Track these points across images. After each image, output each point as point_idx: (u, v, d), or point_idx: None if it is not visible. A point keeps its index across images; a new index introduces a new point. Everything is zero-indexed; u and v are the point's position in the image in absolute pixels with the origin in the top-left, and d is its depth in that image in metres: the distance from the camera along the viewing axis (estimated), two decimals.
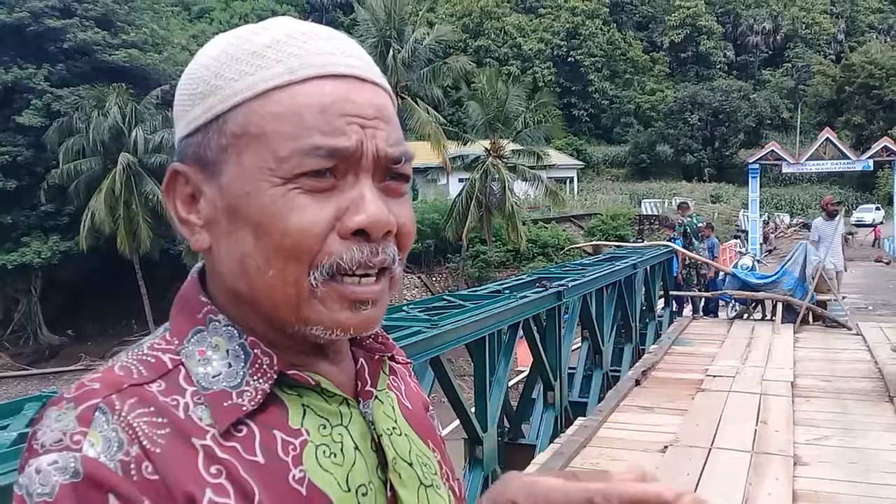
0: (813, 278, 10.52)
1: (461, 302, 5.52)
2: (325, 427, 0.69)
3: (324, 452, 0.67)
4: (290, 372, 0.68)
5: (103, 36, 31.24)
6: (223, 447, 0.63)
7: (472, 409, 5.04)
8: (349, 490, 0.67)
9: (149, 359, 0.67)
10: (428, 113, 27.10)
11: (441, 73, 28.74)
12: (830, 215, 11.32)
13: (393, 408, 0.78)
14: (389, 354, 0.79)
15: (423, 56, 28.48)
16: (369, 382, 0.74)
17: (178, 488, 0.60)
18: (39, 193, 28.14)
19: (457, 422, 5.19)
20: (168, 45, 36.02)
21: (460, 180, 31.31)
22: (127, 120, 27.41)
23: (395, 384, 0.82)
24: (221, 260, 0.68)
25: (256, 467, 0.63)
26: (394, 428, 0.75)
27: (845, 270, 11.60)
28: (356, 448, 0.70)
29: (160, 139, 27.37)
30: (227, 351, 0.68)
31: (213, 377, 0.66)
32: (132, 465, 0.59)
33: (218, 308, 0.70)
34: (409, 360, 0.88)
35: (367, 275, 0.66)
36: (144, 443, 0.60)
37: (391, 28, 28.13)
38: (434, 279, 30.82)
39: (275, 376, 0.67)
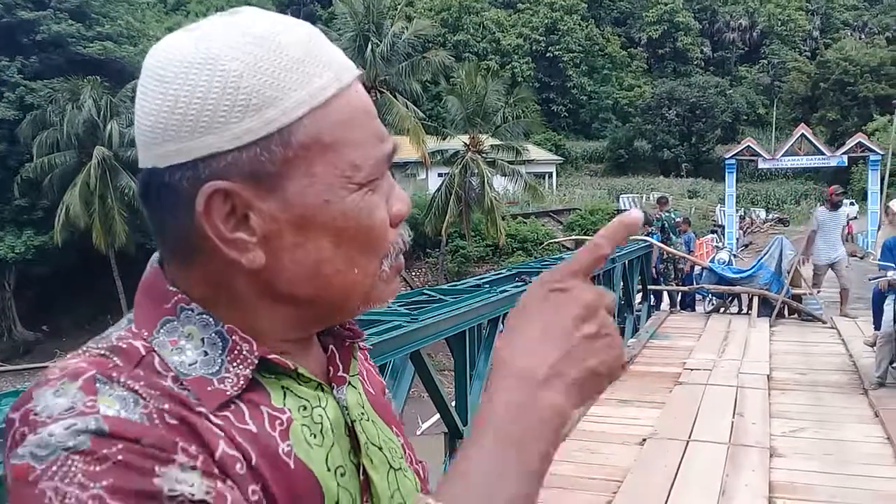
0: (788, 272, 10.63)
1: (441, 296, 5.52)
2: (305, 408, 0.69)
3: (308, 431, 0.68)
4: (270, 357, 0.67)
5: (77, 28, 30.89)
6: (217, 416, 0.63)
7: (453, 404, 5.04)
8: (329, 469, 0.68)
9: (121, 345, 0.64)
10: (407, 107, 27.07)
11: (420, 67, 28.71)
12: (834, 205, 10.74)
13: (360, 393, 0.78)
14: (359, 340, 0.79)
15: (402, 50, 28.42)
16: (341, 368, 0.75)
17: (197, 434, 0.60)
18: (13, 187, 27.77)
19: (437, 416, 5.20)
20: (143, 37, 35.63)
21: (439, 175, 31.34)
22: (102, 113, 27.13)
23: (359, 369, 0.82)
24: (282, 271, 0.66)
25: (250, 435, 0.63)
26: (362, 413, 0.76)
27: (848, 264, 10.95)
28: (332, 430, 0.71)
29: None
30: (203, 339, 0.66)
31: (190, 365, 0.64)
32: (154, 416, 0.59)
33: (188, 298, 0.68)
34: (367, 346, 0.90)
35: None
36: (151, 402, 0.59)
37: (370, 22, 28.04)
38: (413, 274, 30.81)
39: (255, 362, 0.66)
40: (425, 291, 6.05)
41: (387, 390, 0.89)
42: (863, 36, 62.54)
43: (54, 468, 0.55)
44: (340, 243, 0.66)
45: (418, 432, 12.26)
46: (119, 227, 26.47)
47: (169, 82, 0.64)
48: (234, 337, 0.67)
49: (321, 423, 0.70)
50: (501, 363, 0.63)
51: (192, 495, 0.57)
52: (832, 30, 66.38)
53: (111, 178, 26.73)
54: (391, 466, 0.76)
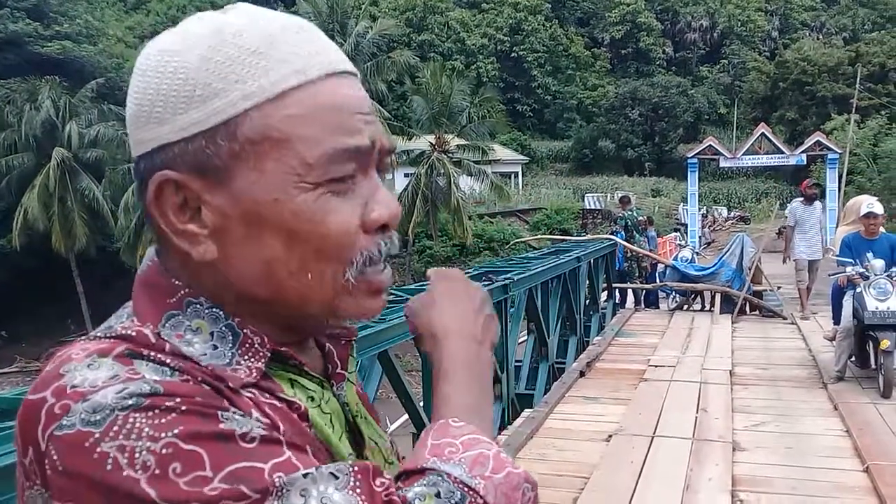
0: (750, 269, 10.80)
1: (408, 297, 5.48)
2: (313, 399, 0.70)
3: (321, 420, 0.69)
4: (282, 349, 0.68)
5: (35, 27, 30.34)
6: (243, 392, 0.63)
7: (421, 403, 5.04)
8: (345, 457, 0.69)
9: (130, 332, 0.64)
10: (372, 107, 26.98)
11: (385, 67, 28.65)
12: (809, 199, 10.34)
13: (354, 392, 0.80)
14: (354, 339, 0.80)
15: (367, 50, 28.35)
16: (339, 366, 0.76)
17: (236, 398, 0.61)
18: None
19: (405, 416, 5.20)
20: (103, 36, 35.13)
21: (406, 175, 31.28)
22: (60, 114, 26.65)
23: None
24: (233, 267, 0.66)
25: (274, 409, 0.64)
26: (358, 411, 0.77)
27: (823, 258, 10.28)
28: (339, 424, 0.72)
29: (96, 134, 26.66)
30: (213, 333, 0.66)
31: (200, 356, 0.64)
32: (195, 380, 0.60)
33: (196, 292, 0.68)
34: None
35: (385, 261, 0.69)
36: (184, 373, 0.60)
37: (334, 22, 27.93)
38: None
39: (268, 354, 0.67)
40: (392, 291, 6.03)
41: (361, 387, 0.90)
42: (820, 36, 63.70)
43: (116, 428, 0.54)
44: (292, 245, 0.64)
45: (387, 433, 12.23)
46: (79, 230, 26.01)
47: (140, 74, 0.66)
48: (245, 330, 0.67)
49: (330, 414, 0.71)
50: (449, 329, 0.81)
51: (262, 433, 0.58)
52: (791, 30, 67.52)
53: (70, 179, 26.26)
54: (386, 461, 0.78)
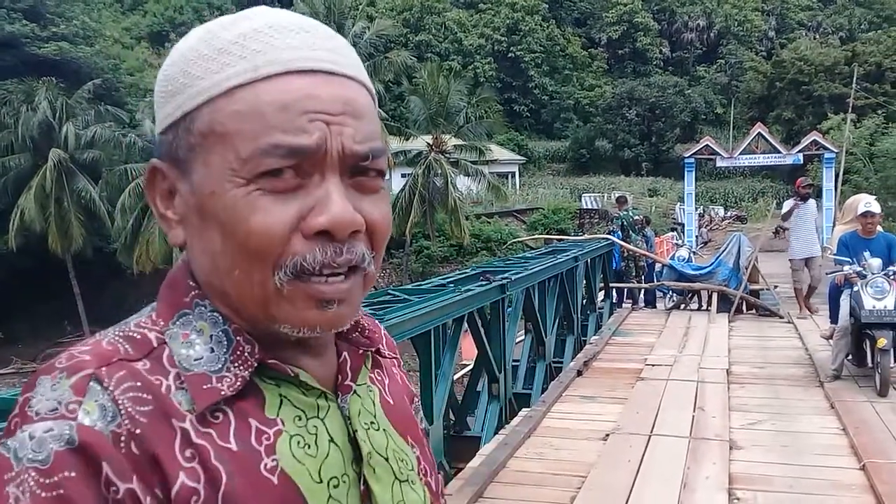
0: (746, 268, 10.82)
1: (406, 296, 5.52)
2: (300, 418, 0.69)
3: (298, 443, 0.67)
4: (269, 361, 0.68)
5: (32, 28, 30.30)
6: (199, 432, 0.64)
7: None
8: (321, 482, 0.68)
9: (135, 335, 0.67)
10: None
11: (382, 67, 28.64)
12: (803, 198, 10.11)
13: (373, 402, 0.78)
14: (374, 349, 0.79)
15: (364, 50, 28.33)
16: (350, 377, 0.74)
17: (156, 467, 0.61)
18: None
19: None
20: (100, 37, 35.09)
21: (403, 175, 31.27)
22: (57, 115, 26.61)
23: (379, 378, 0.81)
24: (195, 256, 0.69)
25: (229, 454, 0.64)
26: (372, 423, 0.75)
27: (822, 256, 9.99)
28: (331, 441, 0.70)
29: (92, 135, 26.63)
30: (211, 336, 0.68)
31: (196, 360, 0.67)
32: (122, 437, 0.61)
33: (204, 294, 0.70)
34: (396, 356, 0.88)
35: (334, 273, 0.65)
36: (134, 417, 0.62)
37: (331, 22, 27.87)
38: (378, 275, 30.69)
39: (255, 364, 0.67)
40: (390, 291, 6.05)
41: (416, 399, 0.89)
42: (817, 36, 63.78)
43: (21, 477, 0.58)
44: (225, 240, 0.64)
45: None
46: (76, 231, 25.97)
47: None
48: (238, 338, 0.68)
49: (315, 434, 0.69)
50: None
51: None
52: (787, 30, 67.60)
53: (67, 180, 26.22)
54: (397, 478, 0.75)
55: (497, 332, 6.51)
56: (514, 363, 7.31)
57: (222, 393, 0.65)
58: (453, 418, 6.40)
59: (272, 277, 0.64)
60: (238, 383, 0.66)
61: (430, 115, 28.82)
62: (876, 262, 6.57)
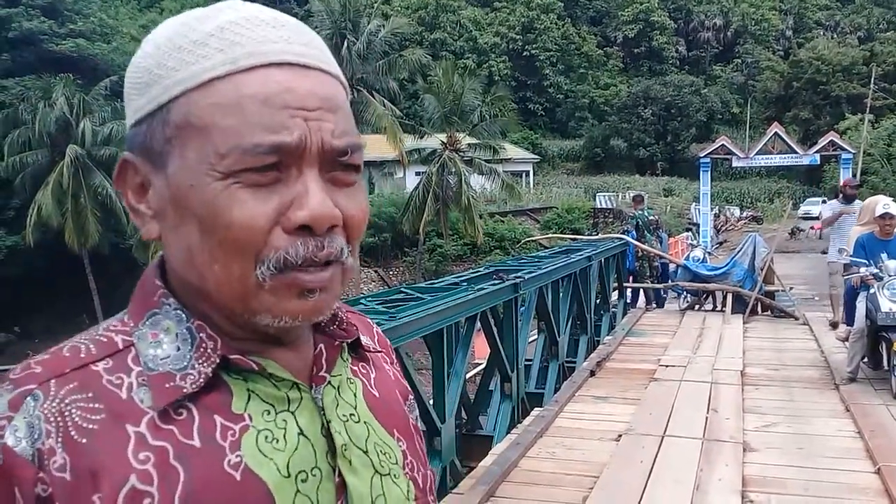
0: (762, 269, 10.75)
1: (419, 294, 5.53)
2: (269, 413, 0.69)
3: (265, 438, 0.67)
4: (232, 357, 0.68)
5: (50, 25, 30.52)
6: (158, 431, 0.64)
7: (431, 401, 5.05)
8: (288, 476, 0.67)
9: (101, 338, 0.68)
10: (384, 106, 27.01)
11: (397, 65, 28.66)
12: (848, 199, 9.42)
13: (355, 395, 0.77)
14: (349, 341, 0.78)
15: (379, 48, 28.36)
16: (324, 368, 0.74)
17: (100, 476, 0.61)
18: None
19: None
20: (117, 34, 35.25)
21: (417, 174, 31.27)
22: (74, 111, 26.77)
23: (364, 371, 0.81)
24: (170, 250, 0.69)
25: (191, 451, 0.64)
26: (351, 415, 0.75)
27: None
28: (301, 434, 0.69)
29: (109, 131, 26.79)
30: (177, 334, 0.68)
31: (162, 359, 0.67)
32: (45, 456, 0.61)
33: (172, 292, 0.70)
34: (379, 350, 0.87)
35: (314, 264, 0.66)
36: (71, 432, 0.62)
37: (346, 20, 27.96)
38: (391, 273, 30.77)
39: (217, 360, 0.67)
40: (403, 290, 6.06)
41: (410, 397, 0.88)
42: (835, 35, 63.34)
43: None
44: (203, 234, 0.64)
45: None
46: (92, 227, 26.12)
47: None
48: (201, 334, 0.68)
49: (284, 428, 0.69)
50: None
51: None
52: (805, 29, 67.17)
53: (84, 176, 26.38)
54: (377, 471, 0.74)
55: (510, 331, 6.50)
56: (526, 362, 7.30)
57: (184, 391, 0.65)
58: (465, 417, 6.40)
59: (254, 272, 0.64)
60: (201, 380, 0.66)
61: (445, 113, 28.80)
62: (893, 265, 6.51)
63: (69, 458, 0.61)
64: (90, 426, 0.62)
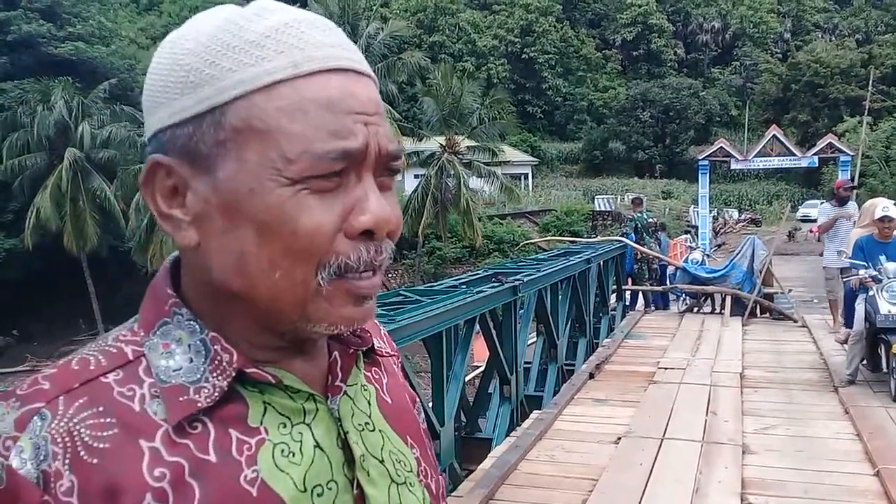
0: (760, 272, 10.76)
1: (418, 297, 5.53)
2: (284, 425, 0.67)
3: (282, 452, 0.66)
4: (249, 370, 0.66)
5: (48, 28, 30.49)
6: (174, 445, 0.63)
7: (430, 404, 5.05)
8: (304, 490, 0.66)
9: (111, 349, 0.66)
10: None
11: (395, 68, 28.66)
12: (841, 201, 9.22)
13: (369, 402, 0.76)
14: (365, 348, 0.77)
15: (378, 51, 28.37)
16: (340, 377, 0.73)
17: (116, 495, 0.60)
18: None
19: None
20: (116, 37, 35.29)
21: (416, 176, 31.28)
22: (73, 114, 26.77)
23: (377, 377, 0.80)
24: (212, 256, 0.65)
25: (207, 466, 0.63)
26: (367, 423, 0.74)
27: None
28: (317, 446, 0.68)
29: (108, 134, 26.77)
30: (189, 346, 0.67)
31: (174, 371, 0.65)
32: (52, 479, 0.59)
33: (185, 301, 0.69)
34: (394, 353, 0.86)
35: (370, 269, 0.66)
36: (81, 453, 0.60)
37: (345, 23, 27.93)
38: (390, 276, 30.75)
39: (233, 374, 0.66)
40: (402, 293, 6.05)
41: (417, 401, 0.88)
42: (833, 38, 63.44)
43: None
44: (263, 239, 0.62)
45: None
46: (91, 230, 26.11)
47: (154, 61, 0.68)
48: (216, 346, 0.66)
49: (300, 441, 0.67)
50: None
51: None
52: (803, 32, 67.29)
53: (83, 180, 26.37)
54: (394, 481, 0.73)
55: (509, 333, 6.50)
56: (525, 365, 7.30)
57: (199, 405, 0.64)
58: (465, 420, 6.40)
59: (315, 277, 0.63)
60: (216, 394, 0.65)
61: (444, 116, 28.81)
62: (892, 267, 6.51)
63: (77, 481, 0.60)
64: (101, 444, 0.61)
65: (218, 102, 0.62)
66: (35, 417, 0.61)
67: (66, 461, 0.60)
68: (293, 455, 0.66)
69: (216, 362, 0.66)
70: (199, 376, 0.65)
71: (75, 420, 0.61)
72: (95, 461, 0.60)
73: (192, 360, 0.66)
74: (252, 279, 0.64)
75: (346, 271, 0.64)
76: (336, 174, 0.63)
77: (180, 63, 0.64)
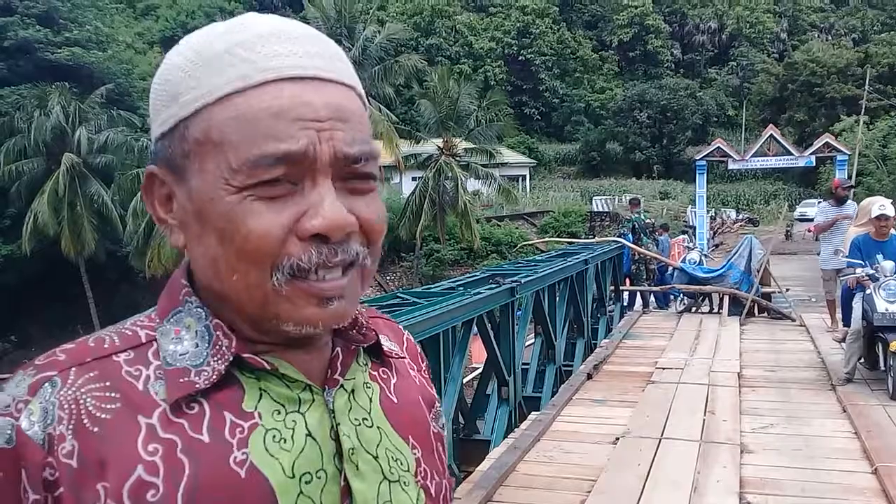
0: (758, 271, 10.77)
1: (415, 299, 5.53)
2: (279, 412, 0.70)
3: (273, 437, 0.68)
4: (245, 356, 0.69)
5: (45, 34, 30.48)
6: (170, 424, 0.66)
7: None
8: (293, 476, 0.68)
9: (126, 332, 0.71)
10: (380, 111, 27.00)
11: (393, 71, 28.67)
12: (839, 200, 9.13)
13: (370, 399, 0.77)
14: (365, 345, 0.79)
15: (375, 54, 28.38)
16: (339, 371, 0.75)
17: (107, 464, 0.63)
18: None
19: None
20: (113, 42, 35.24)
21: (413, 179, 31.29)
22: (70, 119, 26.75)
23: (384, 376, 0.81)
24: (195, 259, 0.71)
25: (199, 445, 0.66)
26: (364, 419, 0.75)
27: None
28: (309, 435, 0.70)
29: (105, 139, 26.77)
30: (196, 332, 0.71)
31: (181, 355, 0.69)
32: (55, 441, 0.64)
33: (196, 292, 0.73)
34: (402, 356, 0.87)
35: (330, 270, 0.67)
36: (84, 420, 0.64)
37: (342, 26, 28.00)
38: (388, 278, 30.76)
39: (230, 358, 0.69)
40: (399, 295, 6.06)
41: (437, 404, 0.88)
42: (829, 38, 63.51)
43: None
44: (222, 244, 0.66)
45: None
46: (89, 235, 26.09)
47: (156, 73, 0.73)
48: (218, 332, 0.70)
49: (293, 429, 0.70)
50: None
51: None
52: (799, 32, 67.36)
53: (80, 185, 26.36)
54: (385, 477, 0.74)
55: (507, 335, 6.51)
56: (523, 367, 7.30)
57: (197, 386, 0.67)
58: (463, 422, 6.40)
59: (269, 279, 0.66)
60: (213, 376, 0.68)
61: (441, 118, 28.84)
62: (889, 265, 6.53)
63: (78, 445, 0.63)
64: (104, 416, 0.65)
65: (183, 116, 0.67)
66: (46, 384, 0.65)
67: (70, 426, 0.64)
68: (284, 441, 0.69)
69: (217, 347, 0.70)
70: (201, 360, 0.69)
71: (83, 390, 0.66)
72: (96, 430, 0.64)
73: (197, 346, 0.70)
74: (222, 281, 0.68)
75: (300, 272, 0.66)
76: (282, 182, 0.65)
77: (166, 76, 0.69)
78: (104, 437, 0.64)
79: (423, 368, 0.90)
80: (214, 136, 0.66)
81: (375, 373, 0.81)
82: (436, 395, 0.90)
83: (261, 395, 0.70)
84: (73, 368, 0.67)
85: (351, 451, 0.72)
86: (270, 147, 0.64)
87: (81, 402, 0.65)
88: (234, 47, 0.66)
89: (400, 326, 0.92)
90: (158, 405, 0.67)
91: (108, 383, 0.66)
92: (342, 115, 0.68)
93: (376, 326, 0.84)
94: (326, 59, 0.69)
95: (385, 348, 0.83)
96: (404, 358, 0.87)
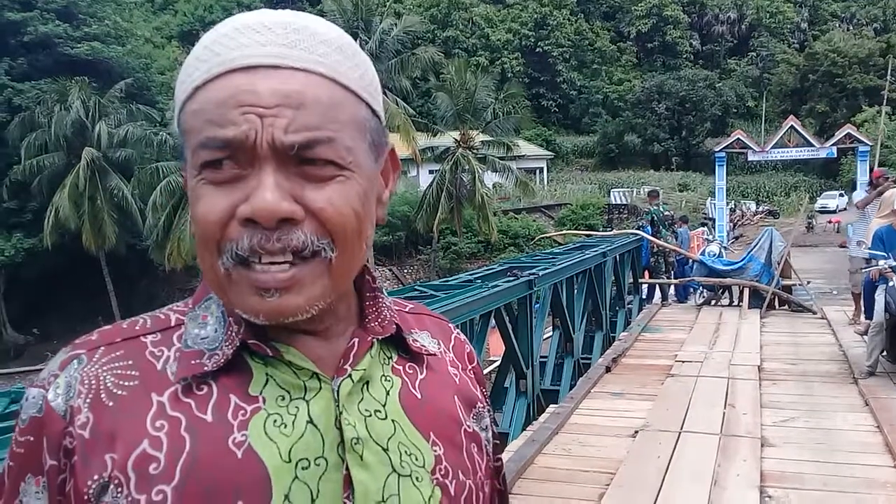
0: (779, 264, 10.68)
1: (433, 292, 5.53)
2: (283, 398, 0.71)
3: (274, 422, 0.70)
4: (250, 341, 0.71)
5: (65, 29, 30.72)
6: (178, 402, 0.70)
7: None
8: (289, 461, 0.69)
9: (160, 315, 0.77)
10: (397, 104, 27.00)
11: (409, 64, 28.62)
12: (879, 191, 8.60)
13: (387, 392, 0.77)
14: (381, 338, 0.79)
15: (391, 47, 28.34)
16: (350, 361, 0.75)
17: (117, 437, 0.68)
18: (1, 190, 27.61)
19: None
20: (131, 37, 35.48)
21: (430, 172, 31.30)
22: (90, 114, 26.99)
23: (411, 371, 0.80)
24: None
25: (201, 424, 0.69)
26: (377, 411, 0.74)
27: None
28: (310, 422, 0.71)
29: (125, 133, 26.99)
30: (216, 317, 0.75)
31: (202, 338, 0.73)
32: (74, 413, 0.69)
33: None
34: (431, 352, 0.85)
35: (274, 262, 0.67)
36: (101, 395, 0.70)
37: (358, 19, 27.96)
38: (405, 271, 30.83)
39: (237, 343, 0.71)
40: (417, 287, 6.06)
41: (477, 405, 0.86)
42: (851, 27, 62.71)
43: (18, 426, 0.72)
44: (193, 226, 0.71)
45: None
46: (109, 229, 26.34)
47: None
48: (230, 318, 0.73)
49: (295, 415, 0.70)
50: None
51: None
52: (820, 21, 66.58)
53: (100, 179, 26.60)
54: (395, 470, 0.73)
55: (524, 328, 6.50)
56: (541, 359, 7.29)
57: (205, 368, 0.71)
58: None
59: (218, 262, 0.68)
60: (222, 360, 0.71)
61: (458, 111, 28.79)
62: None
63: (92, 418, 0.69)
64: (120, 392, 0.70)
65: (176, 112, 0.73)
66: (74, 361, 0.72)
67: (88, 400, 0.70)
68: (284, 427, 0.70)
69: (229, 332, 0.73)
70: (216, 344, 0.73)
71: (105, 367, 0.71)
72: (111, 404, 0.69)
73: (216, 330, 0.74)
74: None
75: (241, 257, 0.67)
76: (229, 164, 0.67)
77: (179, 73, 0.73)
78: (117, 411, 0.69)
79: (470, 368, 0.89)
80: (186, 127, 0.70)
81: (401, 367, 0.80)
82: (481, 395, 0.88)
83: (267, 380, 0.72)
84: (102, 347, 0.73)
85: (355, 440, 0.71)
86: (211, 132, 0.67)
87: (101, 378, 0.70)
88: (213, 43, 0.70)
89: (451, 325, 0.93)
90: (171, 384, 0.71)
91: (130, 362, 0.72)
92: (293, 102, 0.66)
93: (418, 322, 0.85)
94: (293, 48, 0.68)
95: (416, 344, 0.82)
96: (438, 355, 0.85)
